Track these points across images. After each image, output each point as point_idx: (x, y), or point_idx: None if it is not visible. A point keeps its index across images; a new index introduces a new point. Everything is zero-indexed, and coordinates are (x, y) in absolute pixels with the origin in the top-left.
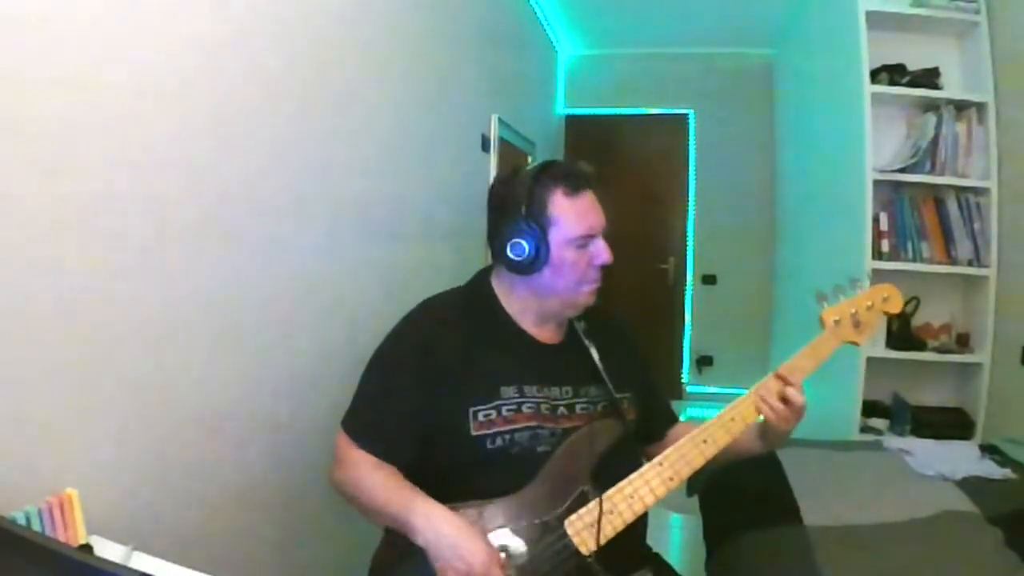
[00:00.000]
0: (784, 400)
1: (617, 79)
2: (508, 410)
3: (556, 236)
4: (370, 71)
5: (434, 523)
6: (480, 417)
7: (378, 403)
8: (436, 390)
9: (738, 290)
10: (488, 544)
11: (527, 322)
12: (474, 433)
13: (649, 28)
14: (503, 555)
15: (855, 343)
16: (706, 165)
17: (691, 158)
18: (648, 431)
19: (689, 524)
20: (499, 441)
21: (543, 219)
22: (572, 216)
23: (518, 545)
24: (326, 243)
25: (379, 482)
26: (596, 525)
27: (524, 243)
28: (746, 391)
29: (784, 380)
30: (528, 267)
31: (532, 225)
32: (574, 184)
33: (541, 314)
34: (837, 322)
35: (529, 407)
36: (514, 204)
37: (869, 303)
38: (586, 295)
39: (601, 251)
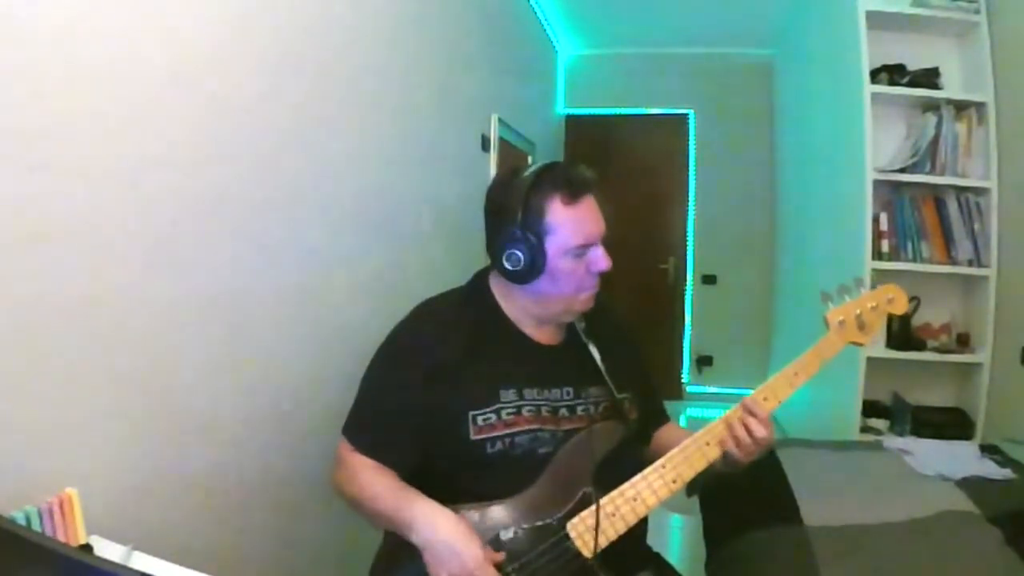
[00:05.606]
0: (748, 432)
1: (617, 79)
2: (508, 413)
3: (553, 245)
4: (370, 71)
5: (433, 521)
6: (480, 421)
7: (378, 410)
8: (436, 394)
9: (738, 290)
10: (484, 548)
11: (526, 324)
12: (474, 437)
13: (649, 28)
14: (502, 553)
15: (860, 344)
16: (706, 165)
17: (691, 158)
18: (642, 432)
19: (689, 524)
20: (499, 445)
21: (540, 228)
22: (570, 225)
23: (520, 542)
24: (326, 243)
25: (380, 484)
26: (598, 528)
27: (519, 253)
28: (746, 391)
29: (750, 411)
30: (523, 277)
31: (528, 234)
32: (572, 191)
33: (539, 317)
34: (842, 323)
35: (529, 410)
36: (510, 211)
37: (874, 304)
38: (583, 301)
39: (599, 258)
